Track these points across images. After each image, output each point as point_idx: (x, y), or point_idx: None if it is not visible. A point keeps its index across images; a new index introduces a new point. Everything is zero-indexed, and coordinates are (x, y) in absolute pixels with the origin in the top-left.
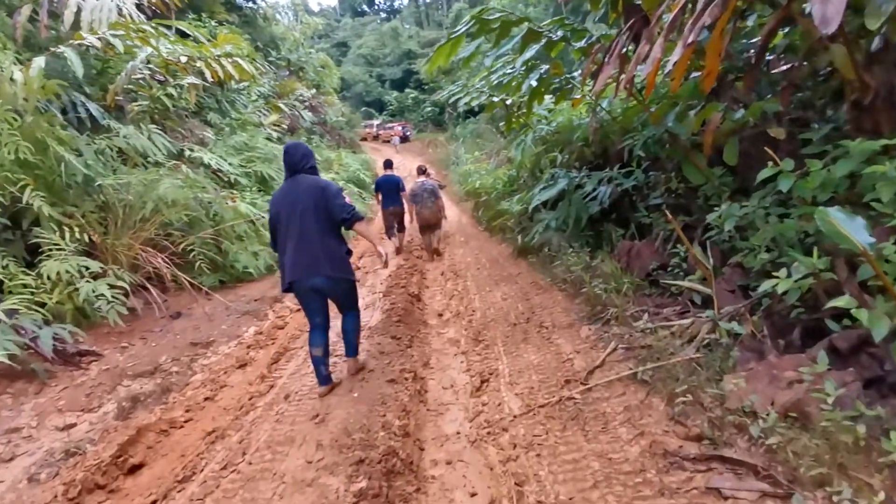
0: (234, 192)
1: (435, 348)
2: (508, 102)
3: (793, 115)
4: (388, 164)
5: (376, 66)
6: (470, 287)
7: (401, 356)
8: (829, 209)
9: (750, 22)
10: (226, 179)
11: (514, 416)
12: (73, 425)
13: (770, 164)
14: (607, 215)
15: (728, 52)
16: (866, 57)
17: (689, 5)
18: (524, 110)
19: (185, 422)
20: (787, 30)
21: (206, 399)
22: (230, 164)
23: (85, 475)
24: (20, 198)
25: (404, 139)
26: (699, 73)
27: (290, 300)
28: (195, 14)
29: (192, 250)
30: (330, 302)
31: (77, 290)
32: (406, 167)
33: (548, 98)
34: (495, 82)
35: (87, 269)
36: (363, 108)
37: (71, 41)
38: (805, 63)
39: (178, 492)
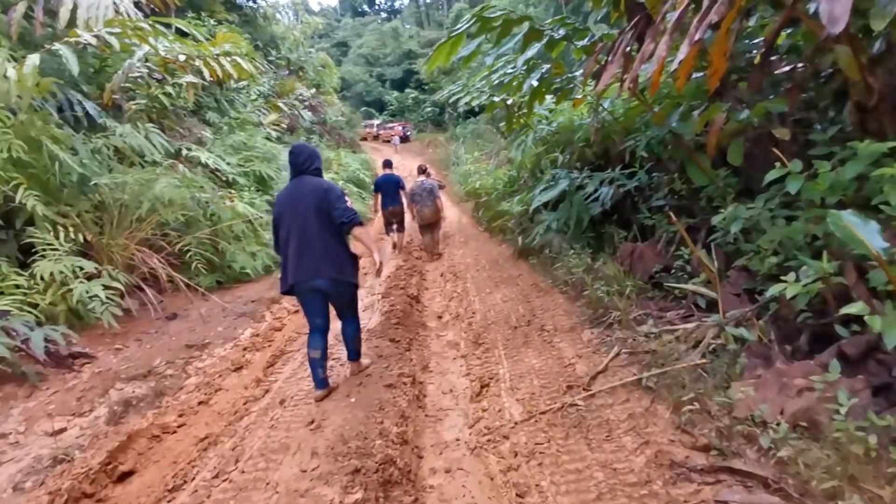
0: (232, 191)
1: (434, 351)
2: (509, 102)
3: (796, 116)
4: (388, 164)
5: (376, 65)
6: (470, 289)
7: (399, 360)
8: (842, 212)
9: (751, 22)
10: (224, 179)
11: (515, 423)
12: (62, 430)
13: (777, 165)
14: (609, 217)
15: (730, 53)
16: (868, 59)
17: (694, 4)
18: (525, 110)
19: (178, 427)
20: (789, 30)
21: (199, 403)
22: (228, 163)
23: (72, 483)
24: (13, 197)
25: (404, 139)
26: (702, 74)
27: (288, 301)
28: (195, 13)
29: (189, 250)
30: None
31: (71, 290)
32: (406, 167)
33: (548, 98)
34: (496, 82)
35: (82, 269)
36: (363, 108)
37: (66, 38)
38: (807, 64)
39: (168, 501)
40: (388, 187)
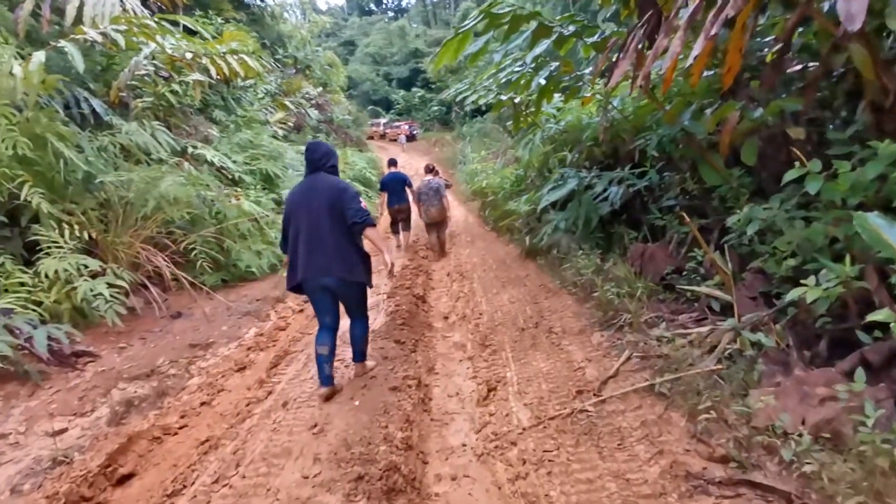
0: (238, 189)
1: (440, 353)
2: (516, 101)
3: (809, 116)
4: (393, 163)
5: (383, 64)
6: (476, 289)
7: (405, 362)
8: (868, 214)
9: (761, 20)
10: (230, 177)
11: (524, 429)
12: (63, 431)
13: (797, 164)
14: (618, 217)
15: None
16: (883, 59)
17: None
18: (532, 109)
19: (180, 428)
20: (800, 29)
21: (202, 404)
22: (234, 161)
23: (70, 487)
24: (18, 194)
25: (411, 138)
26: (713, 72)
27: (293, 301)
28: (202, 11)
29: (194, 249)
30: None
31: (75, 288)
32: (412, 166)
33: (556, 97)
34: (503, 80)
35: (86, 267)
36: (370, 107)
37: (72, 35)
38: (819, 63)
39: None
40: (395, 185)
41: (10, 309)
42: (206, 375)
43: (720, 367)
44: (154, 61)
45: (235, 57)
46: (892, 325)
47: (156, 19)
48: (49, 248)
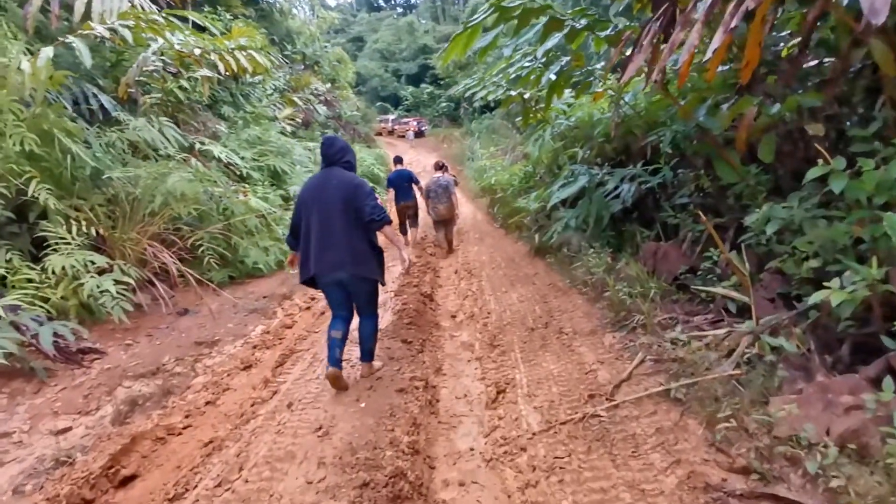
0: (246, 186)
1: (448, 353)
2: (526, 96)
3: (827, 112)
4: (399, 160)
5: (392, 60)
6: (485, 287)
7: (411, 362)
8: None
9: (777, 14)
10: (238, 173)
11: (533, 434)
12: (67, 429)
13: (820, 162)
14: (629, 215)
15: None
16: None
17: None
18: (541, 105)
19: (184, 428)
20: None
21: (206, 403)
22: (242, 157)
23: (71, 489)
24: (26, 190)
25: (419, 134)
26: (727, 67)
27: (299, 298)
28: (211, 7)
29: (201, 245)
30: None
31: (82, 285)
32: (421, 162)
33: (566, 92)
34: (513, 76)
35: (93, 263)
36: (378, 103)
37: (80, 31)
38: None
39: None
40: (401, 182)
41: (16, 305)
42: (212, 374)
43: (739, 372)
44: (162, 57)
45: (244, 53)
46: None
47: (164, 15)
48: (56, 244)
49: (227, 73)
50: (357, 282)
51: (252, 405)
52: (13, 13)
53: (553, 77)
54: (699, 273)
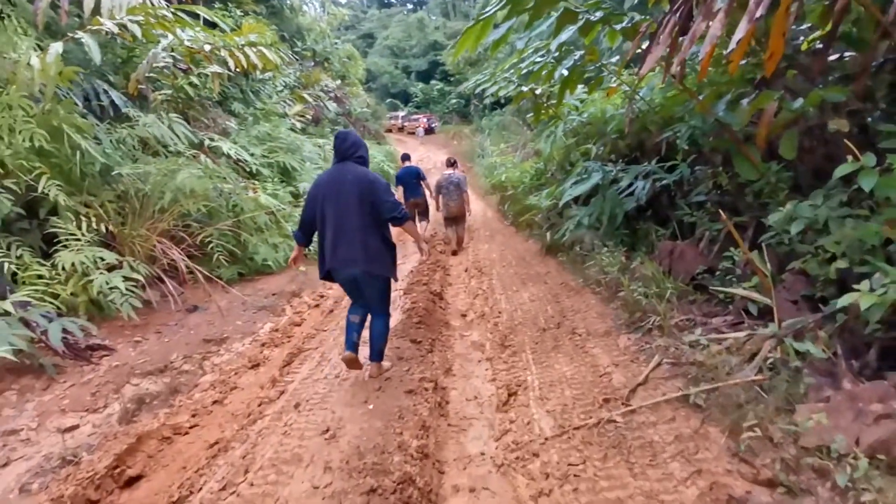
0: (256, 182)
1: (458, 353)
2: (538, 92)
3: (851, 108)
4: (406, 157)
5: (402, 57)
6: (495, 286)
7: (421, 363)
8: None
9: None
10: (247, 170)
11: (546, 439)
12: (74, 427)
13: (850, 158)
14: (644, 212)
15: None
16: None
17: None
18: (553, 101)
19: (190, 428)
20: None
21: (213, 402)
22: (252, 154)
23: (76, 489)
24: (36, 187)
25: (429, 131)
26: (746, 61)
27: (308, 296)
28: (222, 3)
29: (211, 242)
30: None
31: (92, 281)
32: (431, 159)
33: (579, 88)
34: (524, 71)
35: (103, 259)
36: (388, 100)
37: (90, 27)
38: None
39: None
40: (410, 179)
41: (27, 301)
42: (219, 372)
43: (761, 377)
44: (173, 53)
45: (254, 49)
46: None
47: (174, 10)
48: (66, 240)
49: (238, 70)
50: (369, 279)
51: (259, 405)
52: (23, 9)
53: (565, 72)
54: (717, 273)
